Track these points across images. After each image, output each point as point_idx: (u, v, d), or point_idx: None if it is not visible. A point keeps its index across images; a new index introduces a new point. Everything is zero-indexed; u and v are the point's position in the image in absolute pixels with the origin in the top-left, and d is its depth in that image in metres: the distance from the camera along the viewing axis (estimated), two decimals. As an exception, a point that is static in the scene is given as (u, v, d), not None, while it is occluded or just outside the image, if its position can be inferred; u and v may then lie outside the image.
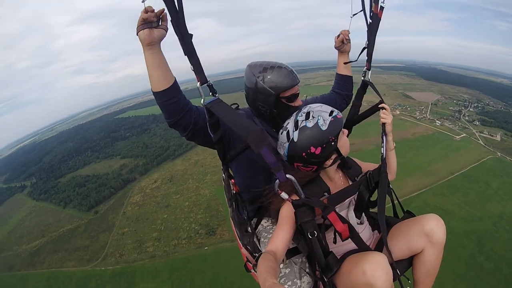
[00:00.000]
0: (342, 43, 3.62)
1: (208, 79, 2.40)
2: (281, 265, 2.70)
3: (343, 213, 2.66)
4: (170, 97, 2.43)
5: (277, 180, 2.39)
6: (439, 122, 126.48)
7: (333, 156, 2.60)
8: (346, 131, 2.70)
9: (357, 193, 2.70)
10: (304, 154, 2.47)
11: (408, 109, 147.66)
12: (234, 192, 3.33)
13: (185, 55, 2.26)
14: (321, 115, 2.48)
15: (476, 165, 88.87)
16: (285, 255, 2.57)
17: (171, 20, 2.17)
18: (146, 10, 2.13)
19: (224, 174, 3.27)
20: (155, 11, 2.17)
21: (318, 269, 2.48)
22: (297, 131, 2.48)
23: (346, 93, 3.85)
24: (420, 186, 79.59)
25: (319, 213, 2.37)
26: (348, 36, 3.59)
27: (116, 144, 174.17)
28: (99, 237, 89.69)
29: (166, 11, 2.16)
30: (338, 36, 3.60)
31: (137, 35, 2.24)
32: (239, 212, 3.30)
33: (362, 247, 2.53)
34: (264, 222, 3.31)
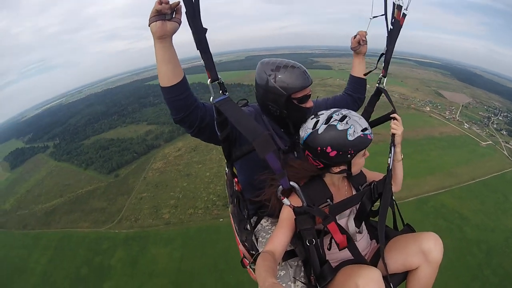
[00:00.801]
0: (359, 44, 3.58)
1: (219, 77, 2.31)
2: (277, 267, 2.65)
3: (343, 221, 2.72)
4: (178, 93, 2.43)
5: (280, 186, 2.37)
6: (467, 125, 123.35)
7: (342, 167, 2.61)
8: (368, 153, 2.68)
9: (359, 203, 2.73)
10: (319, 148, 2.47)
11: (439, 107, 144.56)
12: (236, 189, 3.22)
13: (198, 49, 2.17)
14: (355, 125, 2.45)
15: (497, 174, 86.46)
16: (283, 257, 2.68)
17: (185, 13, 2.09)
18: (161, 1, 2.10)
19: (227, 170, 3.20)
20: (170, 2, 2.14)
21: (312, 276, 2.54)
22: (326, 125, 2.46)
23: (358, 96, 3.81)
24: (439, 186, 78.24)
25: (319, 221, 2.39)
26: (365, 38, 3.55)
27: (144, 110, 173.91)
28: (116, 200, 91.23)
29: (181, 3, 2.10)
30: (355, 36, 3.54)
31: (149, 26, 2.20)
32: (240, 209, 3.22)
33: (358, 258, 2.58)
34: (264, 222, 3.34)
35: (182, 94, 2.43)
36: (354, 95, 3.78)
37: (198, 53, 2.16)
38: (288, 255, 2.82)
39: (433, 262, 2.53)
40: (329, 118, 2.47)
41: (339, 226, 2.39)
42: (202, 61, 2.19)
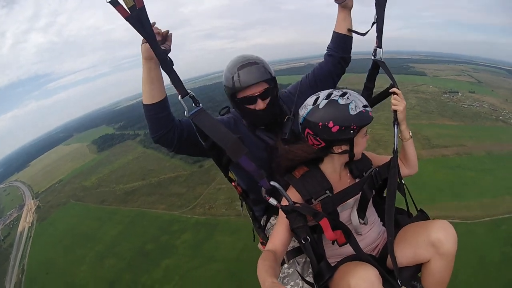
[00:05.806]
0: None
1: (189, 90, 2.32)
2: (285, 265, 2.70)
3: (346, 213, 2.54)
4: (158, 111, 2.44)
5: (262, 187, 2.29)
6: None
7: (344, 147, 2.41)
8: (368, 136, 2.49)
9: (360, 193, 2.49)
10: (320, 124, 2.28)
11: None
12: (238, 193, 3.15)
13: (163, 69, 2.26)
14: (356, 101, 2.29)
15: None
16: (290, 254, 2.73)
17: (145, 39, 2.16)
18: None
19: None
20: (162, 30, 2.26)
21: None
22: (327, 100, 2.30)
23: (341, 56, 3.21)
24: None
25: (311, 218, 2.22)
26: None
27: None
28: (196, 188, 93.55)
29: (170, 32, 2.29)
30: None
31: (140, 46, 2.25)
32: (252, 211, 3.23)
33: (359, 254, 2.34)
34: (273, 220, 3.25)
35: (162, 112, 2.47)
36: (337, 54, 3.22)
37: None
38: (296, 252, 2.80)
39: (445, 255, 2.30)
40: (329, 94, 2.35)
41: (331, 222, 2.22)
42: (170, 81, 2.29)
